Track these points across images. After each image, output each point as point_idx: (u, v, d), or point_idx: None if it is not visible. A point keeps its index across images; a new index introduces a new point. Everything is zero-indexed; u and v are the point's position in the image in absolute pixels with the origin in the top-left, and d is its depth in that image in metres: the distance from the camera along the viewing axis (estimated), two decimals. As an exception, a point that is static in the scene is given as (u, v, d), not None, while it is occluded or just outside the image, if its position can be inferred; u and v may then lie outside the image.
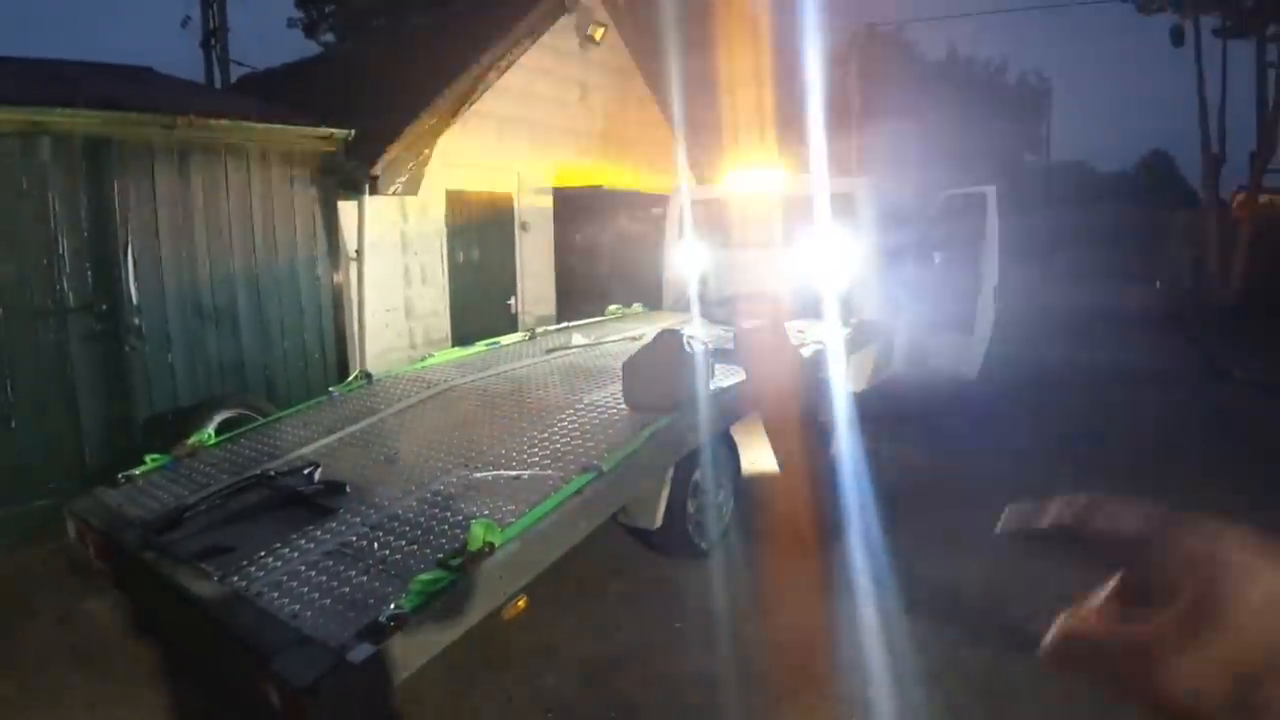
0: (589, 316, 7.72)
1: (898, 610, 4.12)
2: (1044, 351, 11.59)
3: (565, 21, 8.83)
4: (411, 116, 6.90)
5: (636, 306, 8.19)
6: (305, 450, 4.31)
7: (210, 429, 5.21)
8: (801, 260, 7.32)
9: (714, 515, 4.74)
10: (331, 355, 6.80)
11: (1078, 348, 12.56)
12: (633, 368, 4.24)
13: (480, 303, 8.18)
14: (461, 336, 7.55)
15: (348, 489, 3.67)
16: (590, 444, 3.84)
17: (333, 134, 6.49)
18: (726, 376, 4.77)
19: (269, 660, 2.49)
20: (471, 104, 7.54)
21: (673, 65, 9.65)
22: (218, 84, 14.14)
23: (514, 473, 3.60)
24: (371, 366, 6.47)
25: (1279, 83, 16.95)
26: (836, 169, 7.61)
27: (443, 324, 7.74)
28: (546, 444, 3.91)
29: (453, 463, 3.85)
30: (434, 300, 7.63)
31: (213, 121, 5.99)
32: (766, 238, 7.75)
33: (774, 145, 9.04)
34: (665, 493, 4.23)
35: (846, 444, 6.11)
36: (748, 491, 5.15)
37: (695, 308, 7.86)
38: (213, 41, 14.76)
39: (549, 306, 9.00)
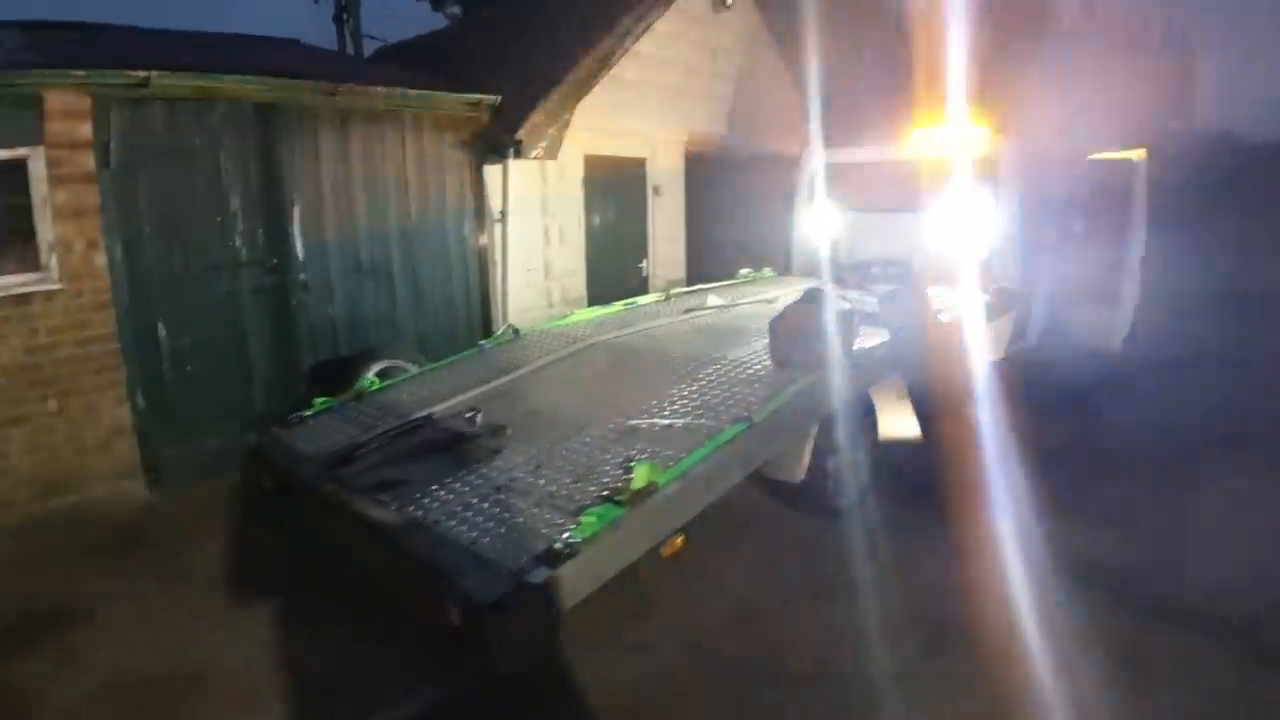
0: (717, 280, 7.79)
1: (1039, 574, 4.09)
2: (1190, 325, 11.05)
3: (698, -15, 8.86)
4: (553, 83, 7.09)
5: (767, 270, 8.22)
6: (464, 397, 4.56)
7: (370, 376, 5.56)
8: (938, 225, 7.20)
9: (852, 474, 4.78)
10: (476, 312, 7.13)
11: (1225, 323, 11.93)
12: (781, 325, 4.32)
13: (614, 264, 8.37)
14: (596, 297, 7.77)
15: (508, 432, 3.89)
16: (739, 397, 3.96)
17: (481, 100, 6.76)
18: (870, 338, 4.79)
19: (453, 580, 2.71)
20: (608, 70, 7.67)
21: (804, 27, 9.52)
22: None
23: (667, 421, 3.76)
24: (516, 322, 6.73)
25: None
26: (976, 130, 7.39)
27: (579, 284, 7.97)
28: (695, 396, 4.05)
29: (607, 411, 4.03)
30: (571, 261, 7.87)
31: (371, 89, 6.31)
32: (901, 201, 7.64)
33: (911, 107, 8.85)
34: (808, 448, 4.30)
35: (986, 412, 6.05)
36: (886, 453, 5.17)
37: (825, 272, 7.83)
38: (345, 15, 15.24)
39: (679, 270, 9.12)
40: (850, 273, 7.59)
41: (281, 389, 6.07)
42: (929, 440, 5.20)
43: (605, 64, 7.65)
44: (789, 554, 4.50)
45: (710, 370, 4.42)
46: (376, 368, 6.02)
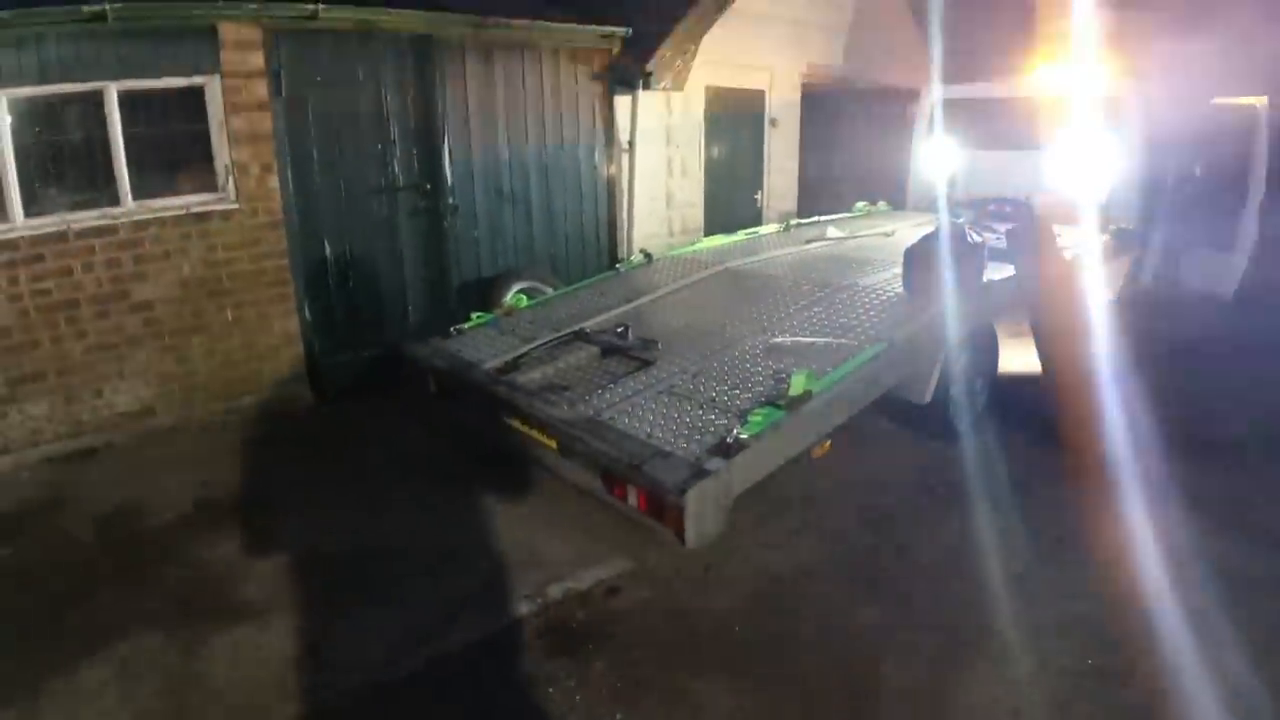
0: (829, 212, 8.00)
1: (1149, 499, 4.34)
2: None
3: (819, -84, 8.89)
4: (681, 15, 7.29)
5: (881, 204, 8.38)
6: (611, 314, 4.96)
7: (510, 296, 5.99)
8: (1058, 164, 7.24)
9: (973, 400, 5.06)
10: (605, 239, 7.54)
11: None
12: (915, 254, 4.60)
13: (730, 196, 8.65)
14: (713, 227, 8.09)
15: (659, 345, 4.27)
16: (875, 319, 4.29)
17: (614, 33, 7.04)
18: (997, 271, 5.02)
19: (639, 467, 3.12)
20: (733, 1, 7.83)
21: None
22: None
23: (809, 340, 4.10)
24: (643, 249, 7.08)
25: None
26: (1100, 70, 7.35)
27: (697, 215, 8.29)
28: (833, 318, 4.40)
29: (750, 329, 4.40)
30: (691, 191, 8.17)
31: (514, 22, 6.63)
32: (1021, 139, 7.68)
33: (1033, 44, 8.76)
34: (936, 372, 4.59)
35: (1105, 349, 6.20)
36: (1005, 382, 5.42)
37: (942, 208, 7.94)
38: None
39: (791, 203, 9.35)
40: (967, 209, 7.70)
41: (432, 305, 6.58)
42: (1046, 372, 5.43)
43: (730, -2, 7.82)
44: (912, 469, 4.85)
45: (843, 295, 4.74)
46: (517, 288, 6.49)
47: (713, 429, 3.32)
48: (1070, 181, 7.10)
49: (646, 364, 4.12)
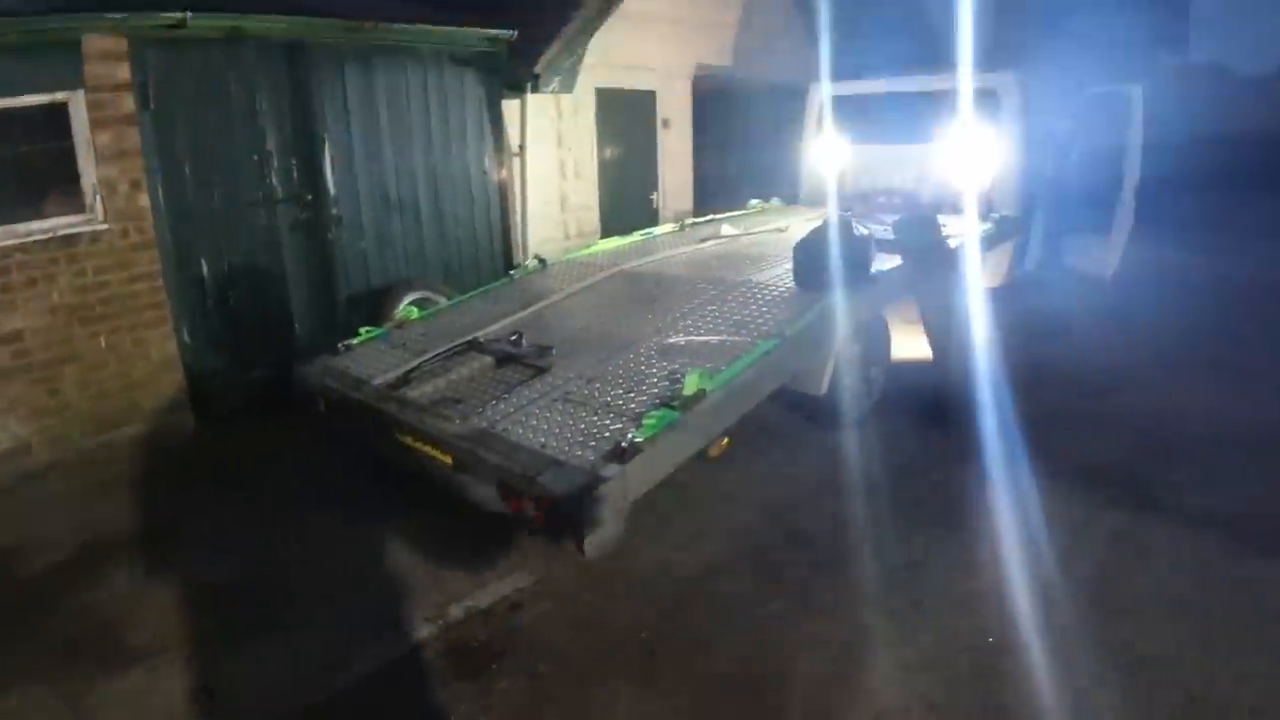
0: (725, 210, 8.05)
1: (1042, 475, 4.48)
2: (1178, 256, 11.35)
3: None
4: (568, 17, 7.23)
5: (775, 201, 8.47)
6: (504, 322, 4.86)
7: (401, 308, 5.85)
8: (943, 155, 7.44)
9: (868, 389, 5.14)
10: (498, 244, 7.41)
11: (1213, 254, 12.22)
12: (805, 248, 4.62)
13: (626, 197, 8.62)
14: (610, 229, 8.04)
15: (554, 351, 4.20)
16: (769, 315, 4.29)
17: (499, 35, 6.92)
18: (885, 262, 5.10)
19: (533, 479, 3.05)
20: (621, 2, 7.81)
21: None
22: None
23: (704, 338, 4.08)
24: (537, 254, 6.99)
25: None
26: (978, 62, 7.58)
27: (593, 217, 8.23)
28: (727, 316, 4.38)
29: (645, 330, 4.35)
30: (585, 194, 8.11)
31: (393, 25, 6.46)
32: (906, 132, 7.87)
33: (916, 38, 9.01)
34: (831, 363, 4.63)
35: (984, 337, 6.39)
36: (897, 370, 5.52)
37: (833, 202, 8.08)
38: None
39: (688, 201, 9.38)
40: (857, 203, 7.85)
41: (320, 320, 6.34)
42: (936, 359, 5.56)
43: (617, -1, 7.80)
44: (811, 460, 4.90)
45: (736, 293, 4.73)
46: (409, 298, 6.33)
47: (607, 434, 3.26)
48: (955, 172, 7.30)
49: (541, 371, 4.05)
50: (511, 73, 7.08)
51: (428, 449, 3.67)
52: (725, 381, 3.55)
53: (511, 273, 5.94)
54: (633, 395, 3.59)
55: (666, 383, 3.62)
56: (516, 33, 6.96)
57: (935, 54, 8.17)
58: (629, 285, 5.31)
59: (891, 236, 5.39)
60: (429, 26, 6.65)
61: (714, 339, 4.07)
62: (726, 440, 3.68)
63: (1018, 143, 7.41)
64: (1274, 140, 24.65)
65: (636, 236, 6.76)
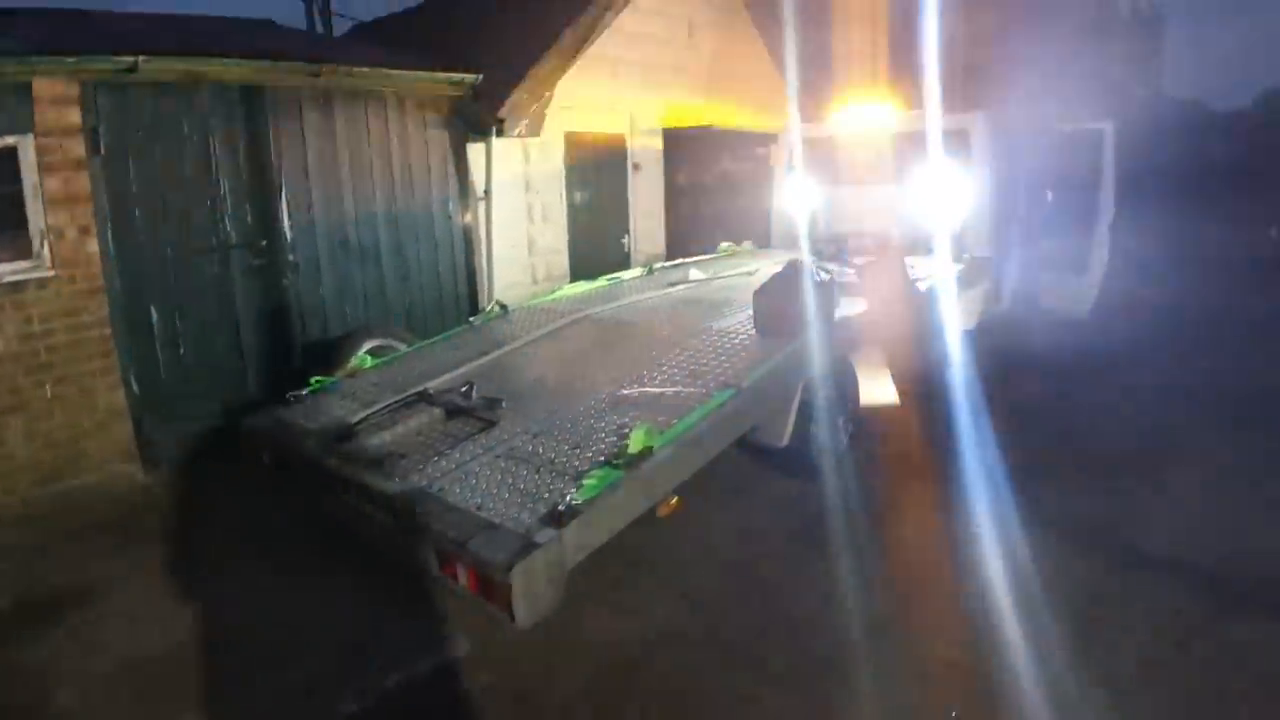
0: (697, 254, 7.96)
1: (1012, 525, 4.32)
2: (1158, 292, 11.33)
3: (674, -40, 8.96)
4: (534, 60, 7.18)
5: (746, 244, 8.37)
6: (457, 372, 4.69)
7: (362, 354, 5.69)
8: (913, 197, 7.37)
9: (835, 437, 4.98)
10: (463, 289, 7.26)
11: (1192, 289, 12.22)
12: (764, 295, 4.49)
13: (596, 240, 8.50)
14: (579, 273, 7.91)
15: (504, 403, 4.04)
16: (726, 365, 4.13)
17: (463, 79, 6.84)
18: (850, 307, 4.97)
19: (464, 544, 2.86)
20: (588, 46, 7.76)
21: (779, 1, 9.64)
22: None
23: (658, 389, 3.92)
24: (501, 298, 6.85)
25: None
26: (948, 103, 7.56)
27: (562, 261, 8.10)
28: (684, 365, 4.22)
29: (599, 381, 4.19)
30: (554, 238, 7.99)
31: (354, 69, 6.37)
32: (877, 174, 7.81)
33: (885, 80, 9.00)
34: (793, 412, 4.48)
35: (959, 377, 6.26)
36: (866, 417, 5.37)
37: (804, 245, 7.99)
38: (315, -7, 15.07)
39: (659, 244, 9.27)
40: (828, 245, 7.76)
41: (274, 369, 6.16)
42: (906, 405, 5.41)
43: (585, 41, 7.74)
44: (775, 513, 4.70)
45: (696, 341, 4.58)
46: (367, 346, 6.14)
47: (547, 495, 3.08)
48: (925, 214, 7.22)
49: (489, 425, 3.87)
50: (476, 117, 6.97)
51: (367, 507, 3.49)
52: (674, 437, 3.39)
53: (471, 320, 5.78)
54: (578, 451, 3.41)
55: (614, 438, 3.45)
56: (481, 77, 6.88)
57: (906, 95, 8.16)
58: (589, 333, 5.16)
59: (856, 281, 5.27)
60: (391, 70, 6.57)
61: (669, 390, 3.91)
62: (676, 499, 3.50)
63: (988, 183, 7.37)
64: (1248, 173, 24.94)
65: (603, 281, 6.63)
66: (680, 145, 9.38)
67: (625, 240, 8.89)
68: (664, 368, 4.24)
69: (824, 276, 4.60)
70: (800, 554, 4.23)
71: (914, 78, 8.22)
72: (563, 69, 7.52)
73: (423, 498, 3.27)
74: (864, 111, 8.17)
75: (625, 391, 3.97)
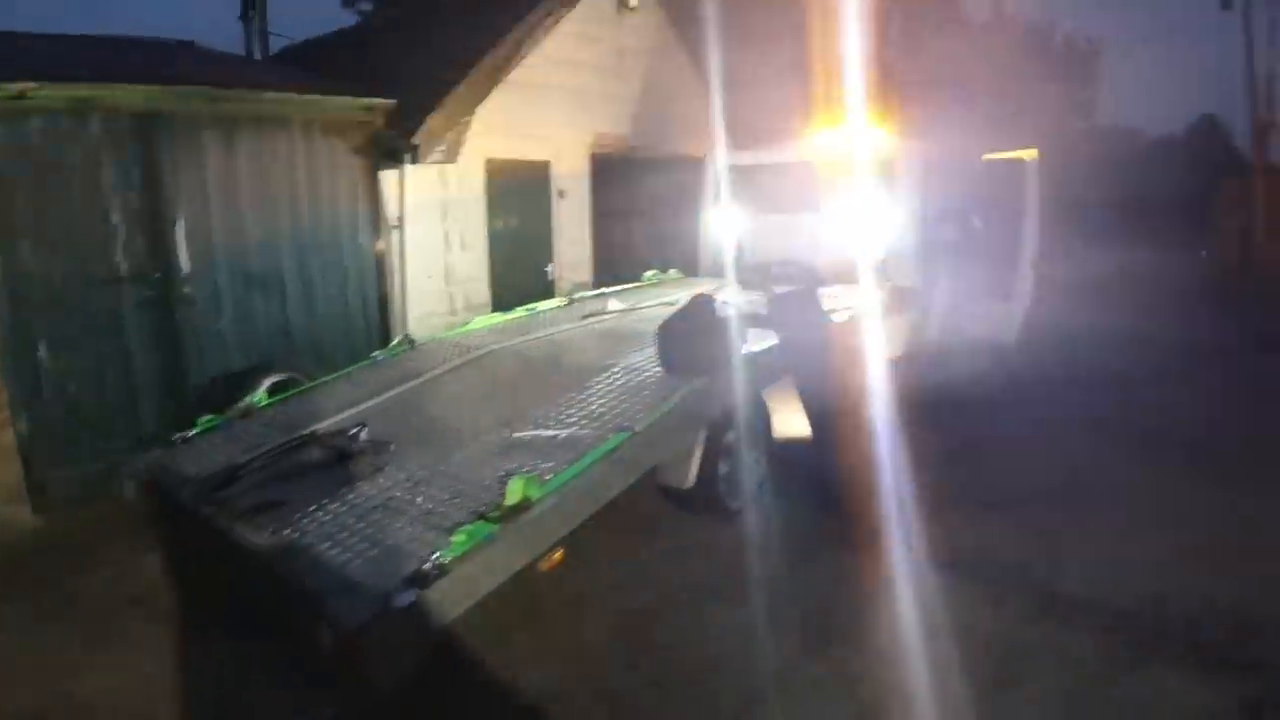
0: (626, 282, 7.83)
1: (926, 568, 4.20)
2: (1086, 319, 11.46)
3: (602, -14, 8.86)
4: (450, 86, 7.00)
5: (672, 272, 8.26)
6: (352, 411, 4.50)
7: (261, 392, 5.45)
8: (838, 225, 7.33)
9: (746, 476, 4.84)
10: (375, 320, 7.00)
11: (1120, 316, 12.39)
12: (666, 331, 4.35)
13: (519, 269, 8.30)
14: (501, 302, 7.69)
15: (392, 447, 3.84)
16: (625, 405, 3.97)
17: (375, 105, 6.63)
18: (760, 340, 4.85)
19: (322, 604, 2.68)
20: (509, 71, 7.62)
21: (709, 29, 9.59)
22: (256, 56, 14.31)
23: (552, 432, 3.75)
24: (413, 331, 6.65)
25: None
26: (876, 132, 7.56)
27: (482, 290, 7.88)
28: (583, 405, 4.05)
29: (493, 423, 4.00)
30: (474, 266, 7.77)
31: (258, 94, 6.14)
32: (803, 202, 7.77)
33: (813, 109, 8.98)
34: (697, 454, 4.33)
35: (880, 409, 6.18)
36: (780, 454, 5.24)
37: (731, 273, 7.91)
38: (251, 13, 14.87)
39: (586, 273, 9.10)
40: (754, 273, 7.68)
41: (170, 407, 5.84)
42: (823, 440, 5.28)
43: (506, 66, 7.59)
44: (682, 558, 4.51)
45: (600, 378, 4.42)
46: (269, 382, 5.86)
47: (417, 551, 2.89)
48: (849, 243, 7.18)
49: (375, 471, 3.68)
50: (389, 143, 6.77)
51: (237, 561, 3.28)
52: (559, 486, 3.21)
53: (375, 354, 5.56)
54: (458, 502, 3.23)
55: (497, 488, 3.27)
56: (395, 102, 6.68)
57: (831, 123, 8.14)
58: (493, 369, 4.98)
59: (768, 312, 5.15)
60: (298, 95, 6.35)
61: (562, 433, 3.73)
62: (561, 553, 3.32)
63: (913, 212, 7.34)
64: (1180, 198, 25.67)
65: (520, 312, 6.45)
66: (609, 172, 9.25)
67: (550, 268, 8.70)
68: (563, 408, 4.07)
69: (730, 309, 4.46)
70: (703, 603, 4.04)
71: (843, 107, 8.24)
72: (482, 95, 7.36)
73: (290, 553, 3.08)
74: (792, 139, 8.14)
75: (518, 434, 3.79)
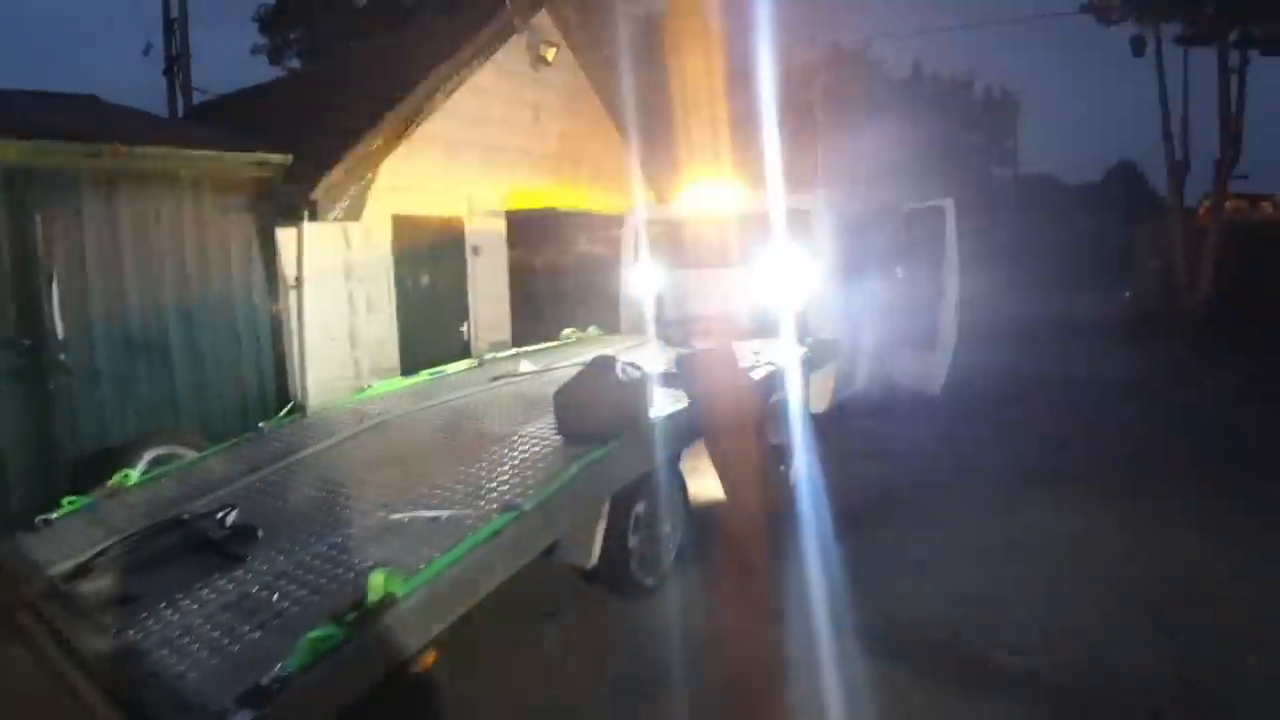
0: (547, 340, 7.57)
1: (852, 644, 3.94)
2: (1011, 363, 11.54)
3: (516, 41, 8.72)
4: (352, 140, 6.74)
5: (592, 329, 8.03)
6: (226, 491, 4.10)
7: (140, 467, 5.06)
8: (757, 278, 7.20)
9: (659, 549, 4.54)
10: (271, 386, 6.57)
11: (1046, 360, 12.52)
12: (565, 397, 4.06)
13: (431, 330, 7.98)
14: (411, 364, 7.33)
15: (259, 534, 3.48)
16: (517, 480, 3.64)
17: (269, 159, 6.30)
18: (670, 402, 4.60)
19: (152, 724, 2.32)
20: (418, 126, 7.39)
21: (627, 84, 9.55)
22: (180, 112, 13.95)
23: (432, 513, 3.40)
24: (315, 397, 6.30)
25: (1241, 89, 16.96)
26: (798, 186, 7.50)
27: (391, 352, 7.52)
28: (472, 480, 3.71)
29: (373, 503, 3.65)
30: (381, 328, 7.42)
31: (141, 149, 5.79)
32: (722, 256, 7.63)
33: (732, 163, 8.93)
34: (600, 529, 4.02)
35: (804, 466, 5.98)
36: (697, 521, 4.96)
37: (651, 330, 7.72)
38: (175, 69, 14.57)
39: (504, 332, 8.80)
40: (675, 329, 7.49)
41: (41, 484, 5.37)
42: (741, 501, 5.01)
43: (414, 120, 7.36)
44: (591, 647, 4.13)
45: (496, 449, 4.09)
46: (150, 456, 5.46)
47: (260, 661, 2.53)
48: (767, 296, 7.05)
49: (237, 561, 3.30)
50: (286, 199, 6.44)
51: (75, 669, 2.88)
52: (429, 579, 2.87)
53: (261, 425, 5.16)
54: (316, 599, 2.86)
55: (362, 580, 2.91)
56: (291, 157, 6.37)
57: (757, 177, 8.09)
58: (384, 441, 4.61)
59: (679, 374, 4.90)
60: (186, 150, 6.00)
61: (445, 514, 3.39)
62: (433, 655, 2.98)
63: (832, 263, 7.26)
64: (1101, 241, 26.55)
65: (425, 376, 6.11)
66: (526, 228, 9.02)
67: (465, 328, 8.39)
68: (451, 483, 3.73)
69: (634, 371, 4.19)
70: (619, 700, 3.71)
71: (760, 160, 8.18)
72: (388, 150, 7.11)
73: (126, 661, 2.70)
74: (710, 193, 8.05)
75: (396, 516, 3.44)
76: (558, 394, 4.09)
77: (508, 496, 3.44)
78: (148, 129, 6.65)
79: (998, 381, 10.13)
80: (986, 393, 9.40)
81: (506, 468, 3.81)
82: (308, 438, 4.80)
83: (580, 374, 4.11)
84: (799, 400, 6.07)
